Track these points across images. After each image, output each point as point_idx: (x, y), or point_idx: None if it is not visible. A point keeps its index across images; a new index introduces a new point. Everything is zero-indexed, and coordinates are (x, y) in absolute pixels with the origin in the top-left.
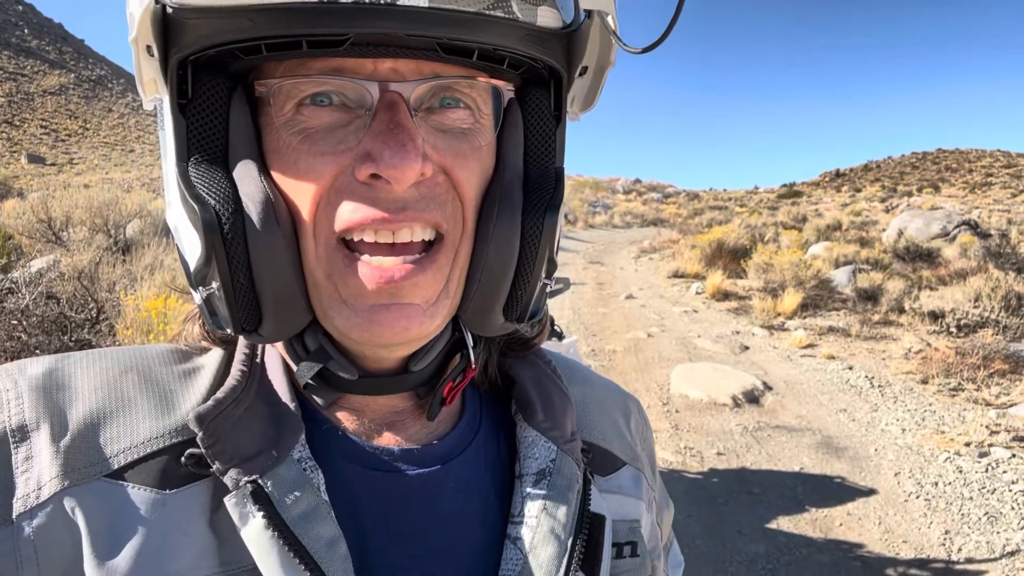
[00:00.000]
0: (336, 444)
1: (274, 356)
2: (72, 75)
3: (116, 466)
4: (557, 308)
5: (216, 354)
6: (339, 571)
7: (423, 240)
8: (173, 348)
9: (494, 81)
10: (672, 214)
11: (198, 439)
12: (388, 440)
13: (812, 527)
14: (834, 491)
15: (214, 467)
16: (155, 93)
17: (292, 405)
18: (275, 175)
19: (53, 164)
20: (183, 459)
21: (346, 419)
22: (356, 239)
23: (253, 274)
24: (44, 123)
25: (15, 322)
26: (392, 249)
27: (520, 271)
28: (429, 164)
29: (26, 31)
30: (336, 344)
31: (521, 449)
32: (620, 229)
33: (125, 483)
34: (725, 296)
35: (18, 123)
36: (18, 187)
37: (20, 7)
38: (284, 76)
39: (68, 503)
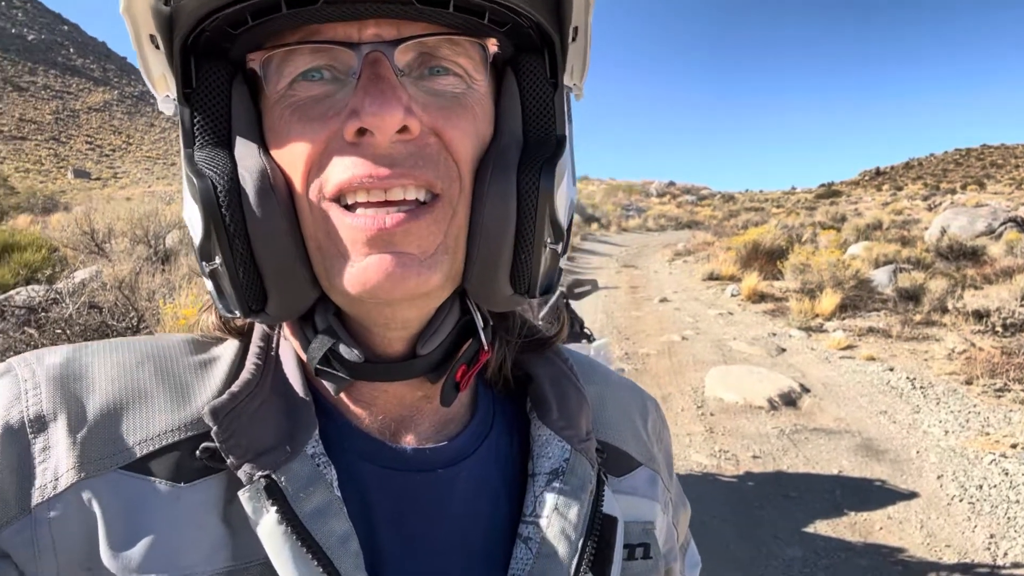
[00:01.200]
0: (349, 441)
1: (288, 350)
2: (115, 92)
3: (132, 458)
4: (590, 312)
5: (232, 345)
6: (351, 567)
7: (416, 199)
8: (189, 338)
9: (478, 40)
10: (707, 216)
11: (213, 433)
12: (401, 439)
13: (851, 531)
14: (874, 494)
15: (228, 461)
16: (165, 90)
17: (307, 399)
18: (272, 150)
19: (98, 179)
20: (198, 453)
21: (359, 414)
22: (351, 202)
23: (252, 243)
24: (89, 139)
25: (59, 331)
26: (386, 205)
27: (520, 233)
28: (414, 118)
29: (72, 50)
30: (345, 325)
31: (535, 448)
32: (654, 232)
33: (141, 475)
34: (761, 298)
35: (64, 139)
36: (64, 201)
37: (66, 27)
38: (272, 48)
39: (85, 494)
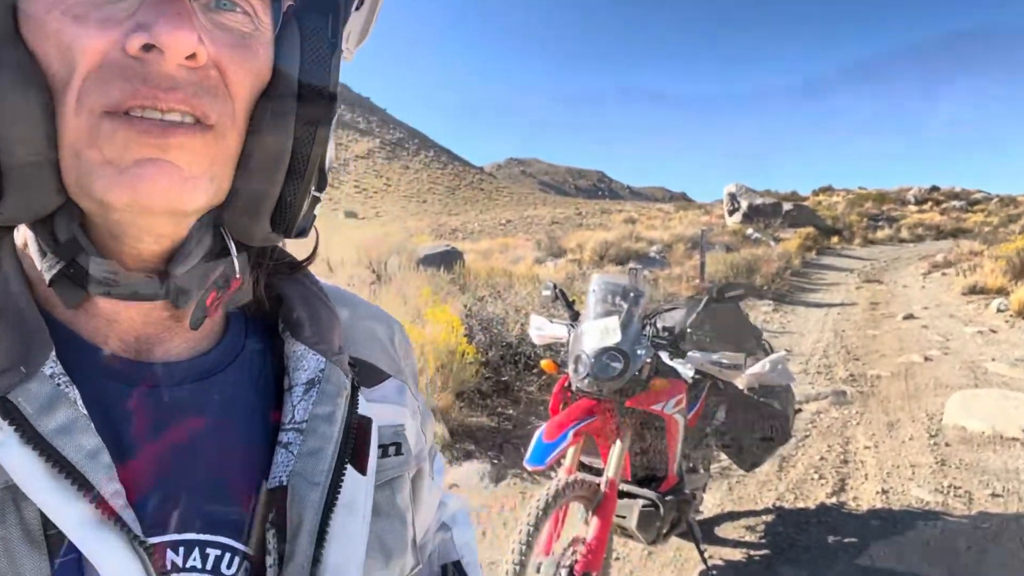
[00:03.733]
0: (91, 360)
1: (14, 267)
2: (377, 140)
3: None
4: (815, 330)
5: None
6: (104, 480)
7: (192, 122)
8: None
9: None
10: (977, 223)
11: None
12: (148, 355)
13: None
14: None
15: None
16: None
17: (39, 319)
18: (34, 44)
19: (364, 218)
20: None
21: (101, 333)
22: (124, 111)
23: None
24: (356, 184)
25: None
26: (161, 124)
27: (291, 176)
28: (203, 48)
29: (343, 107)
30: (90, 236)
31: (290, 363)
32: (908, 243)
33: None
34: None
35: (336, 185)
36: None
37: (340, 88)
38: None
39: None
